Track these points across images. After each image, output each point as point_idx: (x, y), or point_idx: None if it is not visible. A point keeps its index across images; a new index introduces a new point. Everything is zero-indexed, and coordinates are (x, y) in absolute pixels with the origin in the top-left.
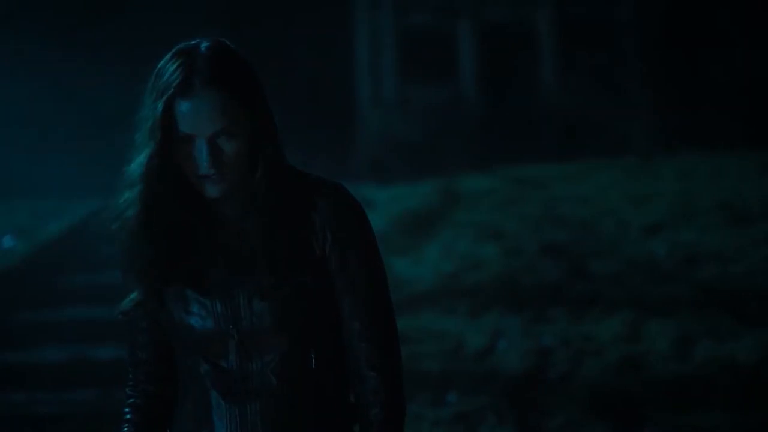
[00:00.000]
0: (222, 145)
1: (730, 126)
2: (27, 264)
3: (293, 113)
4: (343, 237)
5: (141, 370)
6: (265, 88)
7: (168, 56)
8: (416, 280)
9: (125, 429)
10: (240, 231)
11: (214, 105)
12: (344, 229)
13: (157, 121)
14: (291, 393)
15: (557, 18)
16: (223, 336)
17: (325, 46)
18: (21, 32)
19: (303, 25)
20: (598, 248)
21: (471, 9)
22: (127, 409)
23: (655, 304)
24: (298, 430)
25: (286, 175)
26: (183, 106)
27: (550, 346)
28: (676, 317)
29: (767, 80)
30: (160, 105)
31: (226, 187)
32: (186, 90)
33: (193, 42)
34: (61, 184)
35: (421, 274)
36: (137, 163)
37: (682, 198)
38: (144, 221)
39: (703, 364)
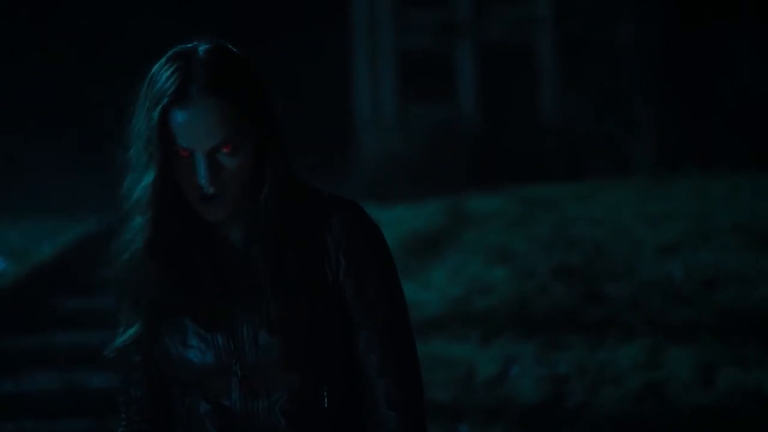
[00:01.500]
0: (223, 160)
1: (735, 144)
2: (18, 287)
3: (290, 132)
4: (359, 261)
5: (134, 408)
6: (272, 95)
7: (162, 61)
8: (424, 304)
9: None
10: (244, 255)
11: (213, 115)
12: (360, 252)
13: (154, 134)
14: None
15: (557, 37)
16: (225, 372)
17: (323, 66)
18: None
19: (301, 44)
20: (613, 270)
21: (470, 29)
22: None
23: (674, 329)
24: None
25: (296, 192)
26: (179, 117)
27: (566, 374)
28: (697, 343)
29: None
30: (155, 116)
31: (229, 209)
32: (181, 99)
33: (190, 45)
34: (55, 203)
35: (429, 299)
36: (141, 187)
37: (698, 218)
38: (153, 251)
39: (727, 393)
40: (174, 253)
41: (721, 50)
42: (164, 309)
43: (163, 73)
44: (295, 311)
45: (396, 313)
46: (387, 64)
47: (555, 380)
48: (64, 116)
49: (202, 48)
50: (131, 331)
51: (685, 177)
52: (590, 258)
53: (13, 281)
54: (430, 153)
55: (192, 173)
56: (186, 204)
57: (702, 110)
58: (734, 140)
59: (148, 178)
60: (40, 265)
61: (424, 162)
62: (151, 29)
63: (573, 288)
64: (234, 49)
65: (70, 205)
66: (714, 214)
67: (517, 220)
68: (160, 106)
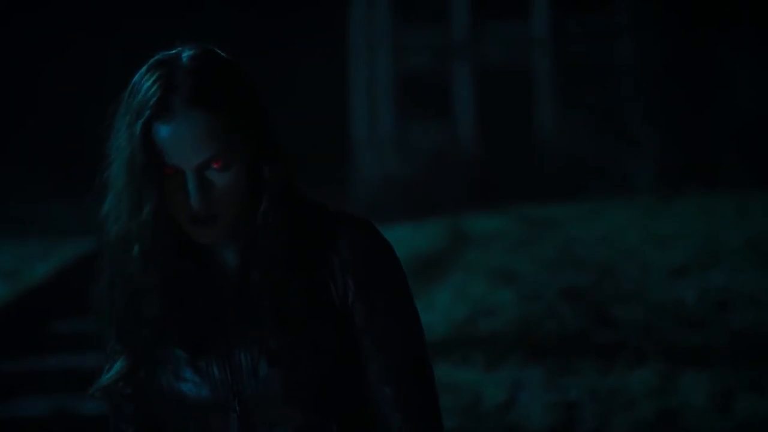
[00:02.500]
0: (213, 177)
1: (736, 163)
2: (9, 309)
3: (286, 152)
4: (370, 283)
5: None
6: (265, 104)
7: (143, 69)
8: (427, 326)
9: None
10: (241, 279)
11: (199, 129)
12: (371, 273)
13: (137, 151)
14: None
15: (555, 58)
16: (222, 407)
17: (321, 86)
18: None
19: (298, 64)
20: (622, 292)
21: (468, 50)
22: None
23: (688, 353)
24: None
25: (298, 208)
26: (162, 132)
27: (577, 400)
28: (712, 368)
29: None
30: (136, 130)
31: (222, 230)
32: (164, 111)
33: (173, 50)
34: (49, 223)
35: (433, 321)
36: (129, 212)
37: (707, 238)
38: (145, 280)
39: (745, 420)
40: (166, 281)
41: (721, 69)
42: (154, 340)
43: (144, 83)
44: (299, 340)
45: (411, 341)
46: (385, 85)
47: (565, 406)
48: (62, 142)
49: (186, 54)
50: (118, 366)
51: (689, 196)
52: (597, 280)
53: (4, 304)
54: (428, 173)
55: (181, 192)
56: (176, 225)
57: (702, 129)
58: (735, 159)
59: (137, 201)
60: (32, 288)
61: (422, 182)
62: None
63: (581, 311)
64: (222, 54)
65: (63, 226)
66: (723, 234)
67: (520, 241)
68: (141, 120)
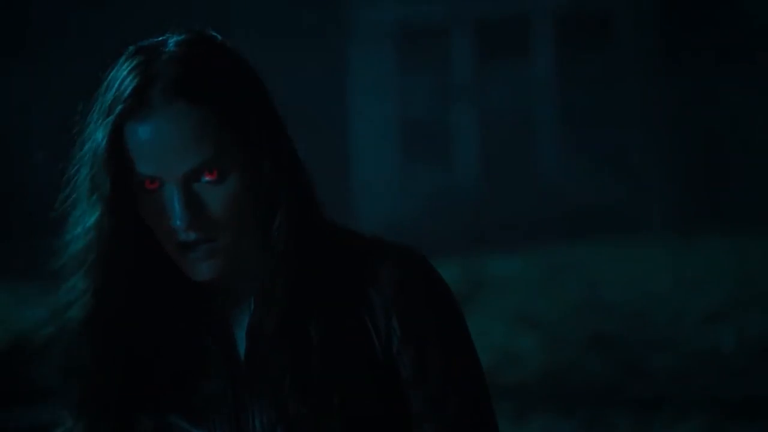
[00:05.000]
0: (205, 191)
1: (748, 203)
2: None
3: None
4: (420, 328)
5: None
6: (273, 101)
7: (121, 58)
8: None
9: None
10: (252, 326)
11: (183, 127)
12: (421, 315)
13: (102, 157)
14: None
15: (558, 100)
16: None
17: (318, 125)
18: None
19: (294, 106)
20: (654, 339)
21: (469, 92)
22: None
23: (733, 406)
24: None
25: (323, 234)
26: (139, 133)
27: None
28: (762, 422)
29: None
30: (102, 132)
31: (223, 262)
32: (140, 106)
33: (160, 37)
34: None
35: None
36: (79, 231)
37: (740, 280)
38: (98, 324)
39: None
40: (139, 324)
41: (730, 107)
42: (136, 403)
43: (120, 74)
44: (326, 404)
45: (473, 400)
46: (385, 126)
47: None
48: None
49: (173, 40)
50: None
51: (710, 236)
52: (627, 326)
53: None
54: (430, 215)
55: (163, 212)
56: (162, 255)
57: (713, 168)
58: (747, 198)
59: (91, 215)
60: (24, 332)
61: (424, 224)
62: None
63: (611, 359)
64: (219, 39)
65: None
66: (757, 274)
67: (540, 283)
68: (112, 116)
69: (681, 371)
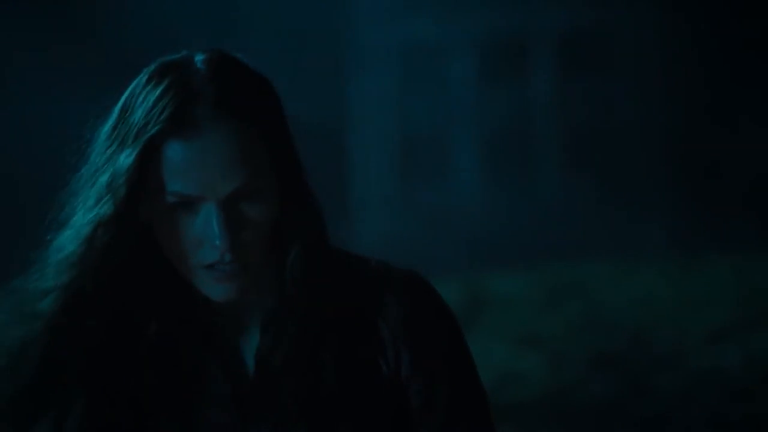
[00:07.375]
0: (240, 211)
1: (747, 225)
2: None
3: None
4: (430, 357)
5: None
6: (287, 120)
7: (144, 78)
8: None
9: None
10: (261, 355)
11: (230, 147)
12: (430, 344)
13: (125, 174)
14: None
15: (558, 119)
16: None
17: (317, 143)
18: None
19: (296, 123)
20: (658, 359)
21: (468, 112)
22: None
23: (736, 426)
24: None
25: (333, 261)
26: (179, 153)
27: None
28: None
29: None
30: (136, 151)
31: (242, 283)
32: (182, 126)
33: (179, 55)
34: None
35: None
36: (68, 237)
37: (744, 300)
38: (57, 342)
39: None
40: (130, 349)
41: (729, 129)
42: None
43: (148, 95)
44: (335, 431)
45: (480, 427)
46: (385, 143)
47: None
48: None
49: (200, 58)
50: None
51: (711, 257)
52: (630, 345)
53: None
54: (430, 233)
55: (190, 231)
56: (164, 275)
57: (712, 191)
58: (746, 220)
59: (90, 219)
60: (15, 349)
61: (424, 242)
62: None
63: (615, 379)
64: (240, 58)
65: None
66: (761, 295)
67: (543, 301)
68: (146, 137)
69: (684, 391)
